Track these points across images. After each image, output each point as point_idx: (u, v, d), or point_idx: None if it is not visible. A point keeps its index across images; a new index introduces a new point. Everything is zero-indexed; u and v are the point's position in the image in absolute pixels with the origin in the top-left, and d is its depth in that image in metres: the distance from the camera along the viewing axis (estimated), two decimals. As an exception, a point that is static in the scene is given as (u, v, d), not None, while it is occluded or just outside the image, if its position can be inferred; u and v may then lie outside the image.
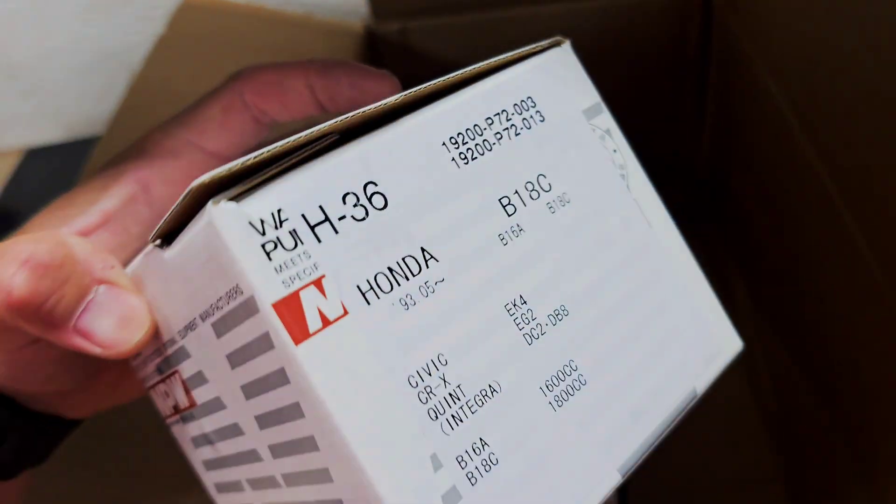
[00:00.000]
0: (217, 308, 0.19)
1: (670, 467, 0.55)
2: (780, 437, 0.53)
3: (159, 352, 0.24)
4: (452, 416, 0.19)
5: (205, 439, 0.25)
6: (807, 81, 0.43)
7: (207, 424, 0.24)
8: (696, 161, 0.68)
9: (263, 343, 0.18)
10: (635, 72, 0.61)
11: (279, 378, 0.19)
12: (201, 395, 0.23)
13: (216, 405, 0.23)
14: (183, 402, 0.25)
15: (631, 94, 0.64)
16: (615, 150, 0.25)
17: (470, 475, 0.19)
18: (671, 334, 0.24)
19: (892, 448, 0.38)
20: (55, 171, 0.71)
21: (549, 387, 0.21)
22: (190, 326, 0.21)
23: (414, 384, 0.19)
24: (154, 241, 0.21)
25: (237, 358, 0.20)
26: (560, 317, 0.22)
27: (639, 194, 0.25)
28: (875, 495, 0.41)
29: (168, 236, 0.21)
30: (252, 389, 0.20)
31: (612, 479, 0.22)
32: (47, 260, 0.21)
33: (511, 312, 0.21)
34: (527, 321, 0.21)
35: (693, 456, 0.54)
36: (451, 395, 0.20)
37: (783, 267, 0.53)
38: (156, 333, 0.24)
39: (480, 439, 0.20)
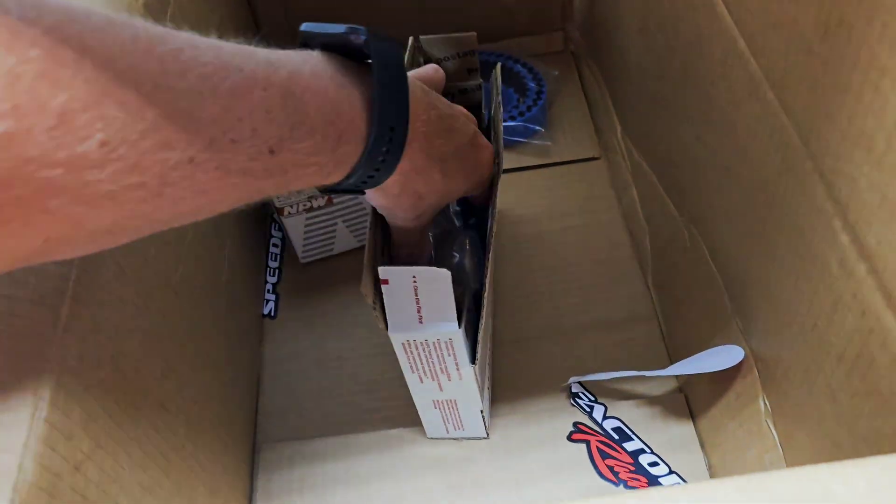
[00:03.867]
0: None
1: (548, 287, 0.52)
2: (656, 276, 0.51)
3: None
4: None
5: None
6: None
7: None
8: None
9: None
10: None
11: None
12: None
13: None
14: None
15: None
16: None
17: None
18: None
19: (759, 280, 0.36)
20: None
21: None
22: None
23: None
24: None
25: None
26: None
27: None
28: (745, 322, 0.38)
29: None
30: None
31: None
32: None
33: None
34: None
35: (574, 298, 0.52)
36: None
37: (660, 105, 0.49)
38: None
39: None
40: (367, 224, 0.37)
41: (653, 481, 0.42)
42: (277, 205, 0.50)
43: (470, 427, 0.44)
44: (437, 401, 0.41)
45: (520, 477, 0.43)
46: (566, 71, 0.66)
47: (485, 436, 0.45)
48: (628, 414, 0.45)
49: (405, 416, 0.46)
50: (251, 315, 0.52)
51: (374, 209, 0.36)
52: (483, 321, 0.36)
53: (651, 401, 0.46)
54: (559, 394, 0.47)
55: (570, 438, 0.45)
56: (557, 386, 0.47)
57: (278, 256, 0.56)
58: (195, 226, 0.43)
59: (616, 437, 0.44)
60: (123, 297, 0.32)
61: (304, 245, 0.54)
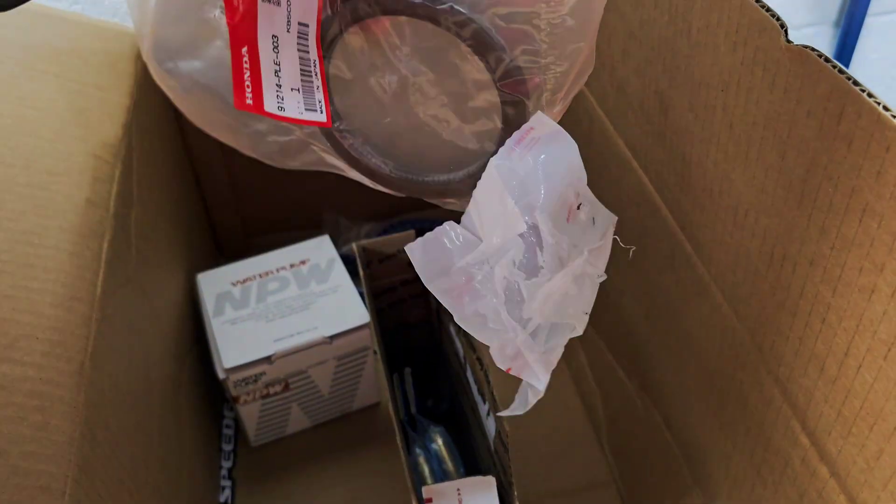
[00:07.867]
0: None
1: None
2: (611, 441, 0.52)
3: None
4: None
5: None
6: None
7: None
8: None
9: None
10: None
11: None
12: None
13: None
14: None
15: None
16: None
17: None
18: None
19: (719, 458, 0.38)
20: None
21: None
22: None
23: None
24: None
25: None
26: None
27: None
28: (707, 496, 0.40)
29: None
30: None
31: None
32: None
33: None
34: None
35: (533, 467, 0.52)
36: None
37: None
38: None
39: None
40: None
41: None
42: (234, 393, 0.49)
43: None
44: None
45: None
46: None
47: None
48: (598, 588, 0.46)
49: None
50: (208, 505, 0.51)
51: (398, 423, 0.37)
52: None
53: (619, 572, 0.47)
54: (529, 572, 0.47)
55: None
56: (526, 563, 0.47)
57: (232, 438, 0.55)
58: (161, 427, 0.43)
59: None
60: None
61: (258, 429, 0.53)
